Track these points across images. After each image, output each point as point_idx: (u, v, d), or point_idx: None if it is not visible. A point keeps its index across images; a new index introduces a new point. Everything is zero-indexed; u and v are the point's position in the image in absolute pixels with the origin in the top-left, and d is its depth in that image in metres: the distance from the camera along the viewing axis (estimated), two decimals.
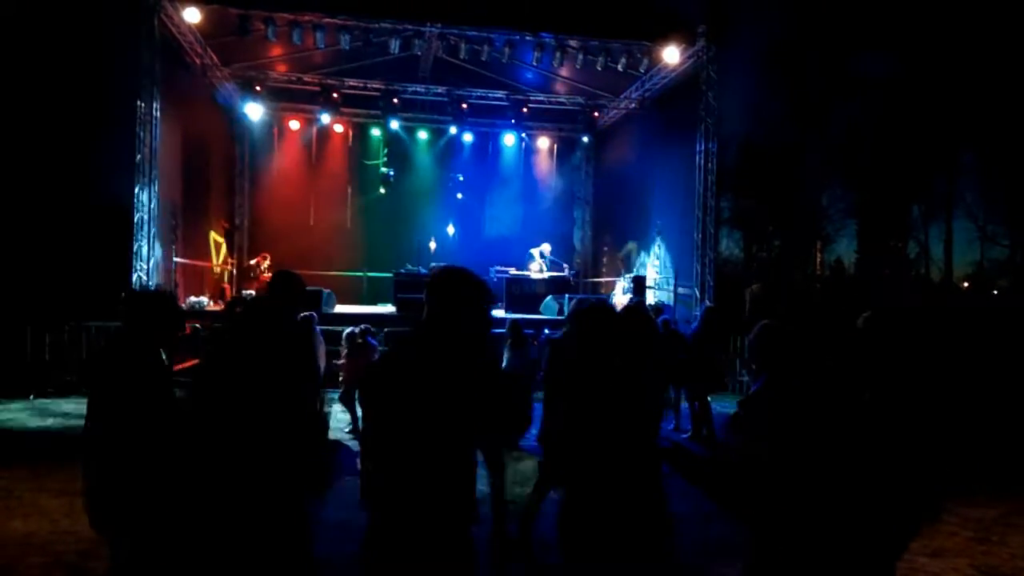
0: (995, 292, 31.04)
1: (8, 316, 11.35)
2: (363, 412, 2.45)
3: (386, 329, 11.63)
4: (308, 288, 4.65)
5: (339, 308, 13.62)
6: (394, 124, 16.54)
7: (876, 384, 2.90)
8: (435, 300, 2.46)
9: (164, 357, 3.23)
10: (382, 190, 17.64)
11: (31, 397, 10.42)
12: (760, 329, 2.82)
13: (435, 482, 2.30)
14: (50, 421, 8.91)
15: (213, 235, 15.67)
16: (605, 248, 18.47)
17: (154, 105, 11.56)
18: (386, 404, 2.34)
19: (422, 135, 18.09)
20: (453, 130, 17.13)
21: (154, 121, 11.59)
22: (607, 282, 17.16)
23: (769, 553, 2.55)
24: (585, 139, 18.35)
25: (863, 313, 3.18)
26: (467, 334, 2.43)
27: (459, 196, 18.11)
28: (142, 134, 11.44)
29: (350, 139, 17.85)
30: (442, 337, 2.40)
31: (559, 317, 12.60)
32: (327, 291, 13.12)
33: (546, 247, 15.56)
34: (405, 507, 2.30)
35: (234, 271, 16.58)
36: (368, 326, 8.91)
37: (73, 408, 9.53)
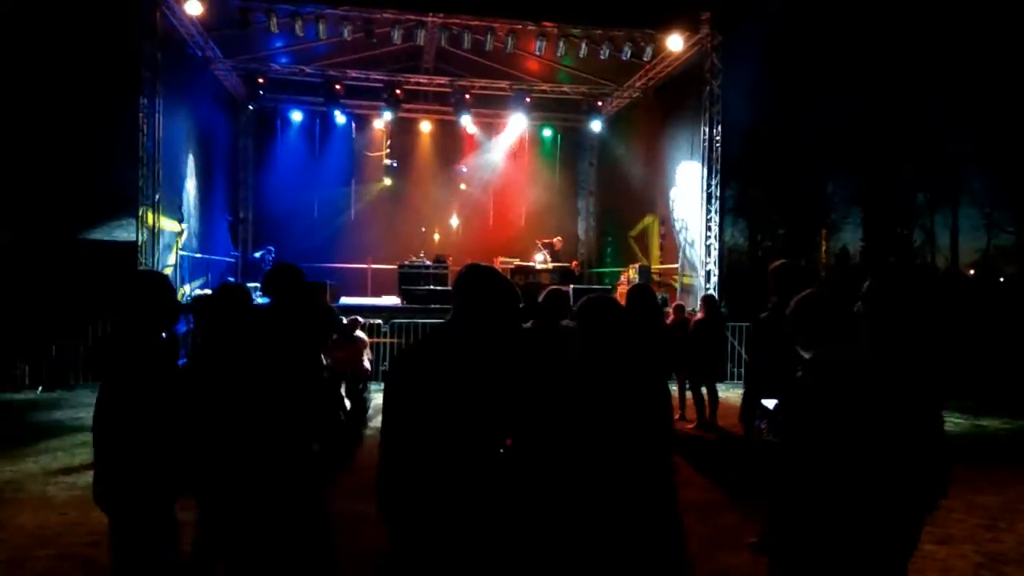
0: (1001, 279, 30.93)
1: (13, 313, 11.40)
2: (386, 407, 2.41)
3: (392, 321, 11.68)
4: (313, 281, 4.63)
5: (344, 300, 13.63)
6: (397, 115, 16.50)
7: (881, 345, 2.83)
8: (463, 299, 2.43)
9: (164, 336, 3.25)
10: (386, 181, 17.63)
11: (39, 390, 10.48)
12: (805, 300, 2.68)
13: (460, 479, 2.27)
14: (57, 414, 8.95)
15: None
16: (610, 238, 18.44)
17: (156, 98, 11.55)
18: (413, 400, 2.31)
19: (425, 126, 18.05)
20: (456, 120, 17.09)
21: (157, 114, 11.58)
22: (612, 272, 17.14)
23: (812, 533, 2.53)
24: (589, 129, 18.28)
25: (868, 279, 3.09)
26: (495, 333, 2.40)
27: (462, 187, 18.08)
28: (145, 127, 11.43)
29: (353, 130, 17.82)
30: (471, 336, 2.38)
31: None
32: (332, 283, 13.13)
33: (558, 241, 15.50)
34: (431, 505, 2.27)
35: (239, 263, 16.61)
36: (357, 318, 9.04)
37: (80, 400, 9.57)
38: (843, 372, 2.54)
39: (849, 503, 2.46)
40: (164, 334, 3.25)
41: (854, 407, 2.48)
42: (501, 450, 2.45)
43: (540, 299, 4.60)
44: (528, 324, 4.52)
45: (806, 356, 2.67)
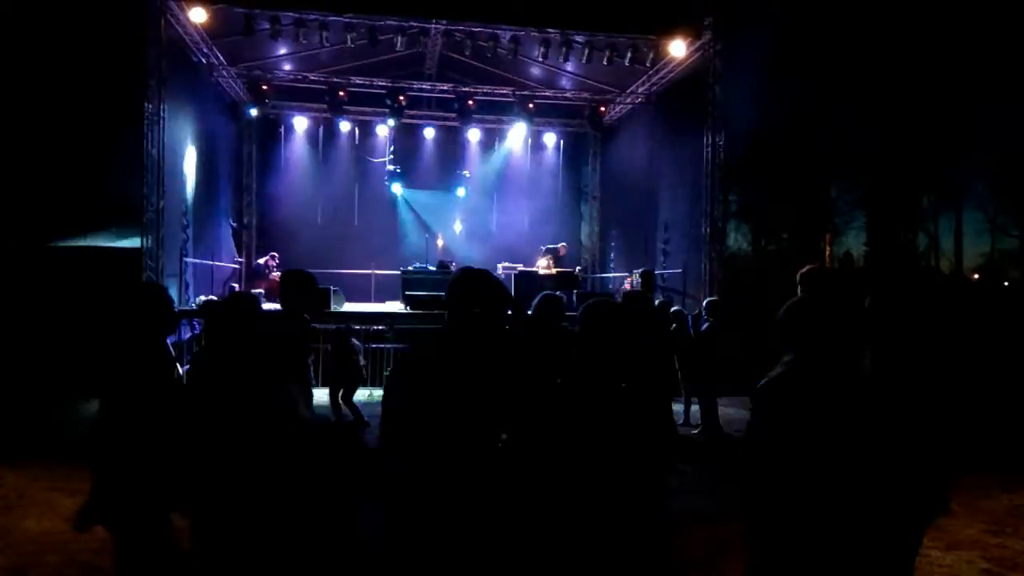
0: (1006, 283, 30.84)
1: (17, 320, 11.43)
2: (384, 409, 2.44)
3: (396, 326, 11.71)
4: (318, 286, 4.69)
5: (347, 306, 13.66)
6: (400, 121, 16.53)
7: (881, 361, 2.84)
8: (453, 300, 2.46)
9: (164, 347, 3.25)
10: (394, 189, 17.67)
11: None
12: (793, 304, 2.69)
13: (457, 478, 2.29)
14: (62, 420, 8.97)
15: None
16: (613, 244, 18.43)
17: (161, 105, 11.59)
18: (410, 401, 2.33)
19: (428, 132, 18.08)
20: (459, 126, 17.13)
21: (161, 121, 11.62)
22: (616, 277, 17.13)
23: (777, 545, 2.51)
24: (592, 134, 18.30)
25: (869, 295, 3.09)
26: (489, 334, 2.43)
27: (461, 192, 18.05)
28: (150, 134, 11.47)
29: (356, 137, 17.86)
30: (466, 338, 2.40)
31: None
32: (335, 289, 13.17)
33: (562, 247, 15.46)
34: (431, 503, 2.28)
35: (243, 270, 16.64)
36: (349, 325, 9.16)
37: (84, 405, 9.58)
38: (814, 379, 2.52)
39: (803, 510, 2.44)
40: (163, 344, 3.25)
41: (819, 414, 2.45)
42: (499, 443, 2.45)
43: (534, 303, 4.66)
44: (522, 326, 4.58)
45: (784, 360, 2.65)
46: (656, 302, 9.77)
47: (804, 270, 4.80)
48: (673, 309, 9.58)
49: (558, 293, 4.83)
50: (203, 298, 13.10)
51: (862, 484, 2.45)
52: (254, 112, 16.30)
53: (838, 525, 2.43)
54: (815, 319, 2.59)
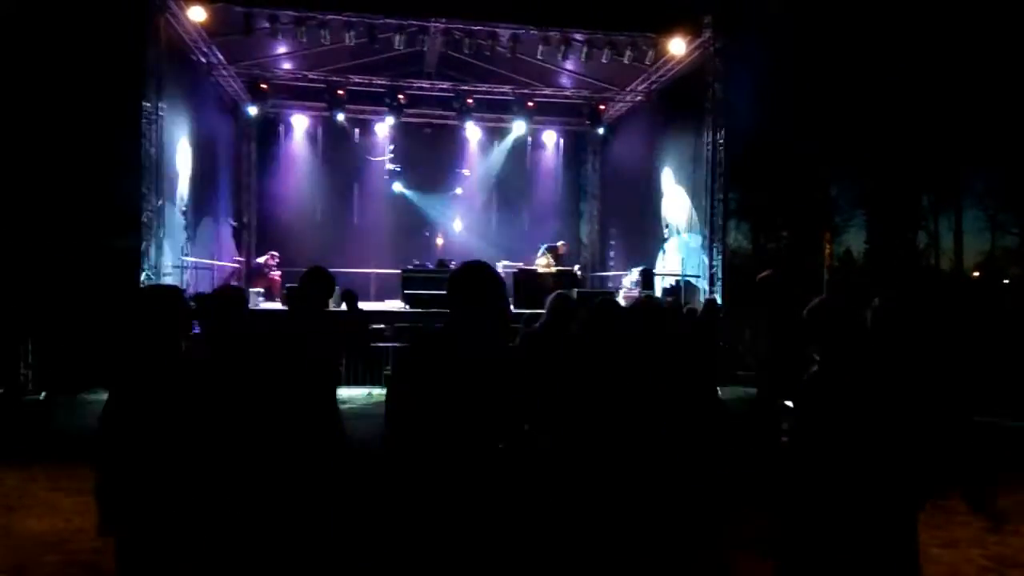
0: (1006, 280, 30.84)
1: (15, 318, 11.41)
2: (388, 405, 2.45)
3: (396, 325, 11.72)
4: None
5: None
6: (399, 120, 16.52)
7: (890, 356, 2.90)
8: (457, 297, 2.46)
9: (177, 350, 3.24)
10: (395, 188, 17.66)
11: (42, 395, 10.48)
12: (815, 306, 2.76)
13: (466, 475, 2.30)
14: (62, 419, 8.95)
15: None
16: (612, 242, 18.43)
17: (160, 104, 11.58)
18: (417, 400, 2.34)
19: (428, 130, 18.04)
20: (458, 125, 17.12)
21: (160, 120, 11.61)
22: (615, 276, 17.13)
23: (810, 535, 2.55)
24: (592, 132, 18.30)
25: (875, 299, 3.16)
26: (490, 329, 2.44)
27: (458, 191, 18.04)
28: (149, 133, 11.46)
29: (356, 135, 17.83)
30: (466, 333, 2.40)
31: None
32: (337, 288, 13.14)
33: (562, 245, 15.43)
34: (434, 499, 2.30)
35: (243, 269, 16.63)
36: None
37: (83, 404, 9.57)
38: (850, 377, 2.58)
39: (848, 504, 2.49)
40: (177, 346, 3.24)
41: (858, 410, 2.51)
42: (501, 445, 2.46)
43: (547, 304, 4.61)
44: (536, 326, 4.56)
45: (816, 360, 2.72)
46: (665, 304, 9.76)
47: (761, 276, 4.82)
48: (687, 307, 9.60)
49: (570, 294, 4.79)
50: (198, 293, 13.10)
51: (886, 467, 2.51)
52: (253, 111, 16.29)
53: (872, 509, 2.49)
54: (836, 319, 2.67)
